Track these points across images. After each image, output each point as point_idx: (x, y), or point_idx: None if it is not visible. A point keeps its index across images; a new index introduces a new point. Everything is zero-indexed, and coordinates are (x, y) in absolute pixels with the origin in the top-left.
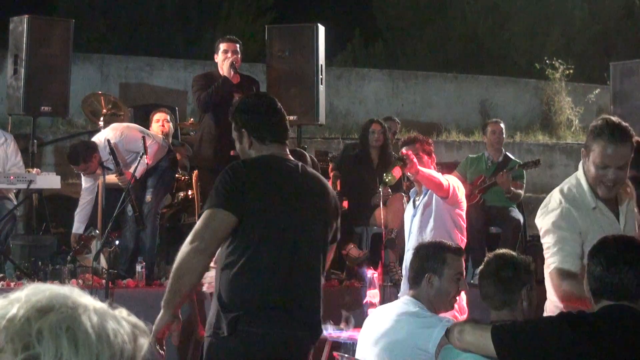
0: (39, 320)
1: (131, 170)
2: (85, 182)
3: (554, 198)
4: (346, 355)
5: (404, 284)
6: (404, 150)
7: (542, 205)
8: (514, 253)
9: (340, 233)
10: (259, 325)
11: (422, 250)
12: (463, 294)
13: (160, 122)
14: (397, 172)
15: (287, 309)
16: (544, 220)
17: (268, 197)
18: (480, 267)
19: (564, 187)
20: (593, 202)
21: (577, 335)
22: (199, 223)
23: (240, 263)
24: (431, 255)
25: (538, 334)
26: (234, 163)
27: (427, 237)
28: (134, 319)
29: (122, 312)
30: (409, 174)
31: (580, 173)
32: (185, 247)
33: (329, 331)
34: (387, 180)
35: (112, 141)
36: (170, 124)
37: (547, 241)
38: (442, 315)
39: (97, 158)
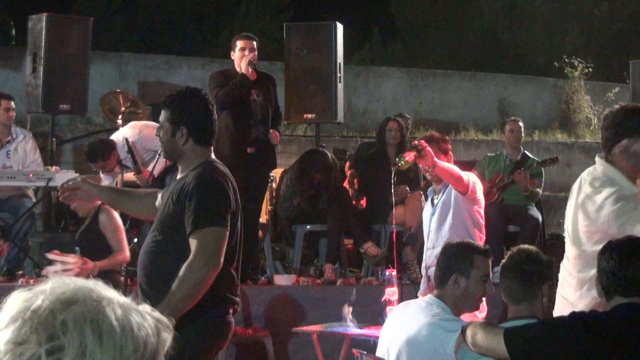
0: (63, 312)
1: (149, 168)
2: (103, 180)
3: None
4: (365, 352)
5: (423, 283)
6: (421, 140)
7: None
8: (537, 249)
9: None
10: (230, 311)
11: (450, 250)
12: None
13: None
14: (409, 156)
15: None
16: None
17: (235, 205)
18: (503, 261)
19: (596, 177)
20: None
21: (591, 335)
22: (208, 241)
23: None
24: (459, 255)
25: (551, 336)
26: (214, 176)
27: (445, 234)
28: (157, 314)
29: (145, 308)
30: (427, 167)
31: (607, 169)
32: (201, 268)
33: (348, 328)
34: (400, 164)
35: (130, 139)
36: None
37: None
38: (465, 315)
39: (116, 156)
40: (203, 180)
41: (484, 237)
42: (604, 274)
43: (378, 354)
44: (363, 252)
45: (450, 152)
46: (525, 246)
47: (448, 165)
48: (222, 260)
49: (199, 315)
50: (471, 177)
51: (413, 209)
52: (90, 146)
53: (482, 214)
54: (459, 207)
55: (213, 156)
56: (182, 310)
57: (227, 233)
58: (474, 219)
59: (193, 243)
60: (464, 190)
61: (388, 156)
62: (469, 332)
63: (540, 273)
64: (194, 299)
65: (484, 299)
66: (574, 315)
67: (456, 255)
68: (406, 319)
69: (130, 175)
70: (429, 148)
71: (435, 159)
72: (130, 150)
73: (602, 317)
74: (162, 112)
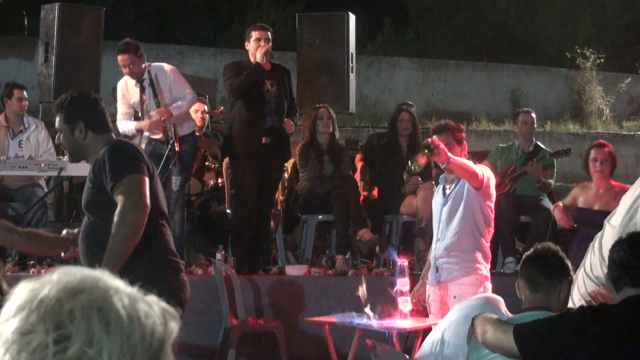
0: (70, 300)
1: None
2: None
3: None
4: (379, 342)
5: (431, 274)
6: (434, 137)
7: None
8: (557, 247)
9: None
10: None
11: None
12: (488, 285)
13: (199, 113)
14: (422, 159)
15: None
16: None
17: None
18: (527, 253)
19: None
20: None
21: (601, 328)
22: (130, 187)
23: (161, 222)
24: None
25: (561, 331)
26: (121, 141)
27: (455, 227)
28: (164, 304)
29: (152, 298)
30: (439, 163)
31: None
32: (131, 210)
33: (359, 319)
34: (412, 168)
35: (167, 70)
36: (207, 115)
37: None
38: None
39: (143, 60)
40: (110, 147)
41: (493, 231)
42: (615, 265)
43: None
44: (358, 239)
45: (465, 142)
46: (548, 243)
47: (462, 160)
48: (148, 201)
49: (154, 286)
50: (486, 172)
51: (424, 199)
52: (124, 42)
53: (493, 208)
54: (471, 201)
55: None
56: (124, 256)
57: (146, 178)
58: (484, 214)
59: (118, 195)
60: (478, 185)
61: (400, 146)
62: (479, 330)
63: (563, 268)
64: (132, 242)
65: (489, 290)
66: (582, 308)
67: None
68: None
69: (143, 124)
70: (441, 145)
71: (449, 154)
72: (152, 83)
73: (612, 309)
74: (57, 119)
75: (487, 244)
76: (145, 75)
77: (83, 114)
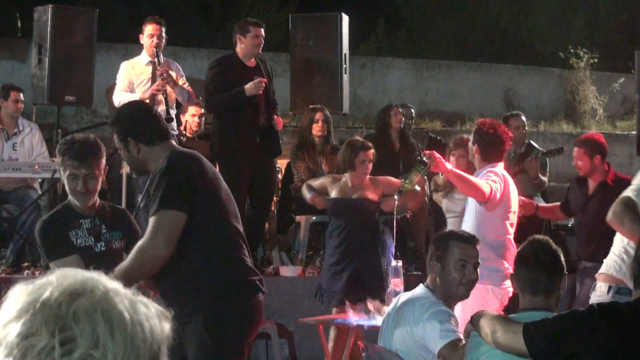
0: (73, 303)
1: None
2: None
3: None
4: (371, 343)
5: None
6: (432, 150)
7: None
8: (550, 239)
9: None
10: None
11: (433, 239)
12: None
13: (196, 117)
14: (416, 177)
15: None
16: None
17: (217, 191)
18: (519, 251)
19: None
20: None
21: (611, 328)
22: (162, 224)
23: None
24: (436, 242)
25: (570, 331)
26: (174, 163)
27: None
28: (157, 305)
29: (146, 299)
30: (440, 174)
31: None
32: (150, 251)
33: (355, 319)
34: (405, 186)
35: (177, 64)
36: (202, 119)
37: None
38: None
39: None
40: (163, 169)
41: (507, 244)
42: (634, 262)
43: (379, 342)
44: None
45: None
46: (539, 237)
47: (462, 173)
48: (171, 247)
49: (223, 305)
50: (495, 186)
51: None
52: (156, 16)
53: (507, 221)
54: (472, 208)
55: (174, 144)
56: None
57: (183, 217)
58: (489, 223)
59: (149, 226)
60: (482, 199)
61: (392, 142)
62: (487, 330)
63: (558, 264)
64: (137, 278)
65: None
66: (592, 307)
67: (434, 243)
68: (398, 307)
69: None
70: (437, 156)
71: (448, 165)
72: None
73: (622, 308)
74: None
75: (503, 256)
76: (160, 56)
77: (131, 130)
